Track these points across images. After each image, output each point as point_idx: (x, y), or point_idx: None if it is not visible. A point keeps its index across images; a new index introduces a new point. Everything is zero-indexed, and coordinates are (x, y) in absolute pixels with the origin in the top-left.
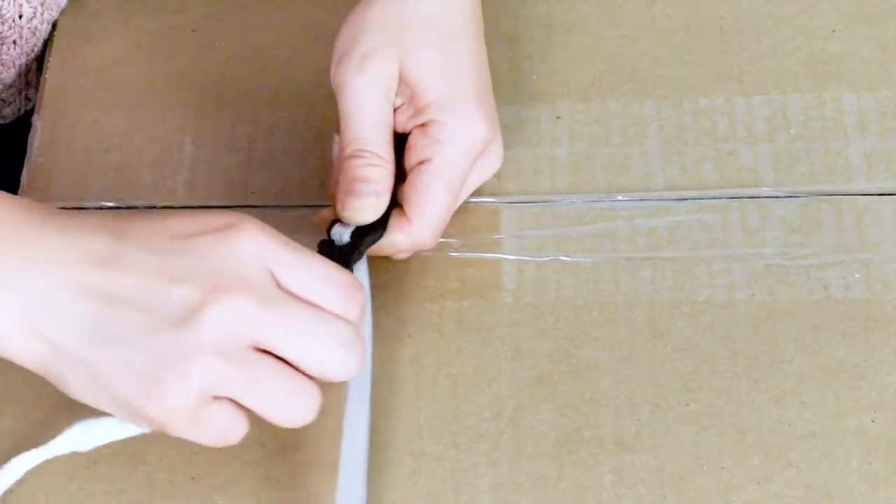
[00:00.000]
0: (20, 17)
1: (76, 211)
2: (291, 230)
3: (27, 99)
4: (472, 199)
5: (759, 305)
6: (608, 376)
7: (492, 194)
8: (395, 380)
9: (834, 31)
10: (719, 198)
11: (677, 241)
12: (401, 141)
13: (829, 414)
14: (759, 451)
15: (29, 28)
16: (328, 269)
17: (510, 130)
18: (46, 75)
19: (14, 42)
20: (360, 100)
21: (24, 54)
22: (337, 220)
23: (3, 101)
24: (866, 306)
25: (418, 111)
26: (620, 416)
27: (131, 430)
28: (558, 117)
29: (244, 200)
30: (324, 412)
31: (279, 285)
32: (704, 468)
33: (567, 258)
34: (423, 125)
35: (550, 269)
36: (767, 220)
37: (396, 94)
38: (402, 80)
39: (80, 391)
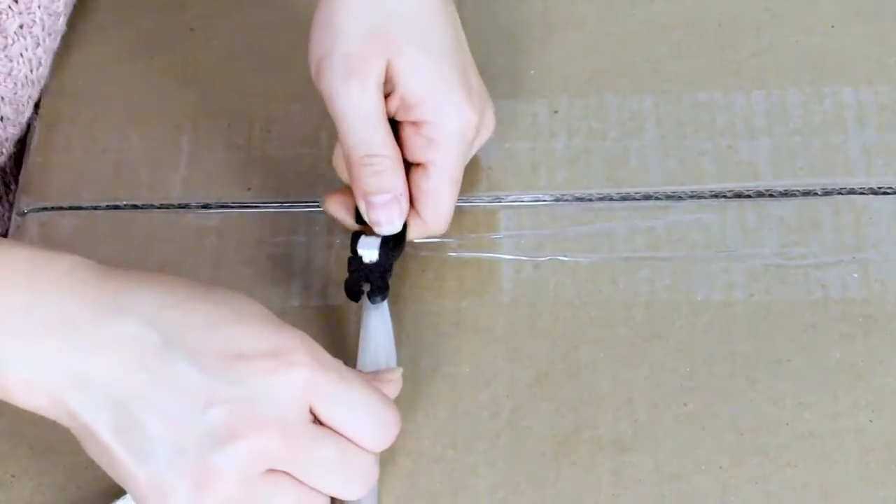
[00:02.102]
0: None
1: (128, 279)
2: (288, 229)
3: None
4: (470, 200)
5: (758, 305)
6: (606, 376)
7: (490, 191)
8: None
9: (833, 25)
10: (718, 193)
11: (675, 240)
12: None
13: (828, 414)
14: (758, 451)
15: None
16: (372, 404)
17: (508, 125)
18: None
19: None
20: (355, 103)
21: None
22: (360, 233)
23: None
24: (864, 306)
25: (407, 106)
26: (618, 416)
27: None
28: (556, 112)
29: (241, 198)
30: None
31: (315, 416)
32: (702, 468)
33: (565, 258)
34: (414, 123)
35: (548, 268)
36: (765, 220)
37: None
38: (387, 76)
39: (98, 461)
